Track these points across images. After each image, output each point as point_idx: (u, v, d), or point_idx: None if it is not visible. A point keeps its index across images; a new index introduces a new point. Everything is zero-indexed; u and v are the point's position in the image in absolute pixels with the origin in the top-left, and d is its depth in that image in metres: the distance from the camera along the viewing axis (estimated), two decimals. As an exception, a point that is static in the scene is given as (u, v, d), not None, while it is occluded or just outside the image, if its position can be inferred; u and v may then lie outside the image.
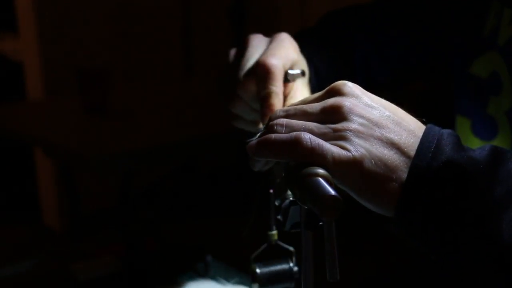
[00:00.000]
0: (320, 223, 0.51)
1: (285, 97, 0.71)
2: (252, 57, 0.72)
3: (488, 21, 0.81)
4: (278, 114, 0.58)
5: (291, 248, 0.71)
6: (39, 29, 2.81)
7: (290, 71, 0.71)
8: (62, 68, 2.75)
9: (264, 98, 0.67)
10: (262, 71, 0.68)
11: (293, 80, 0.71)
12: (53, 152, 2.02)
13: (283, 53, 0.71)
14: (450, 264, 0.55)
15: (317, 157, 0.52)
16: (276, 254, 0.72)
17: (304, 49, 0.83)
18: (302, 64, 0.75)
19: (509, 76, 0.77)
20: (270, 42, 0.74)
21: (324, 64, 0.86)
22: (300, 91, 0.72)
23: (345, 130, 0.53)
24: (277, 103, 0.66)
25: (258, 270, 0.71)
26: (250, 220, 0.70)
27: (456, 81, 0.87)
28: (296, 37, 0.83)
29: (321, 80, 0.84)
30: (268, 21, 3.36)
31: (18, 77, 3.04)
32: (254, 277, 0.71)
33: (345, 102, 0.55)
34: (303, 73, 0.71)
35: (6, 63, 3.25)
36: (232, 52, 0.77)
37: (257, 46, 0.74)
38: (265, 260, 0.72)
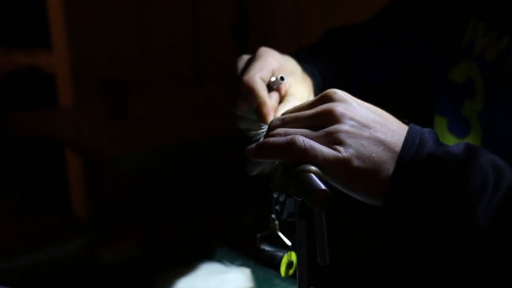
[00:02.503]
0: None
1: (282, 98, 0.69)
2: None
3: (466, 33, 0.80)
4: (274, 123, 0.57)
5: (289, 243, 0.67)
6: (69, 45, 2.83)
7: (271, 79, 0.68)
8: (88, 79, 2.76)
9: (256, 110, 0.66)
10: (244, 89, 0.67)
11: (277, 86, 0.68)
12: (81, 151, 2.01)
13: (259, 67, 0.69)
14: (434, 249, 0.54)
15: (309, 157, 0.51)
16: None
17: (308, 58, 0.82)
18: (287, 68, 0.73)
19: (482, 82, 0.76)
20: (250, 60, 0.72)
21: (325, 70, 0.85)
22: (294, 87, 0.70)
23: (336, 132, 0.53)
24: (268, 111, 0.65)
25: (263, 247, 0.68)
26: (251, 212, 0.69)
27: (436, 85, 0.87)
28: (301, 51, 0.83)
29: (325, 82, 0.83)
30: (267, 37, 3.36)
31: (51, 87, 3.04)
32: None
33: (337, 107, 0.54)
34: (282, 78, 0.68)
35: (40, 75, 3.25)
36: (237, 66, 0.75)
37: (242, 67, 0.72)
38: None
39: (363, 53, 0.92)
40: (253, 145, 0.55)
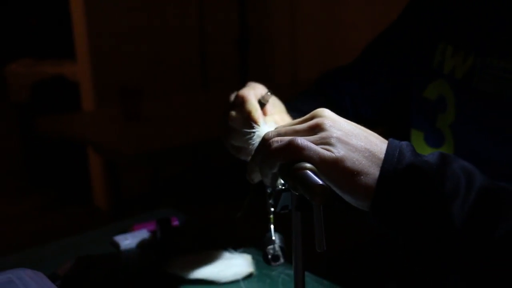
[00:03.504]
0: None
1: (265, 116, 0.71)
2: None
3: (436, 56, 0.81)
4: (270, 135, 0.56)
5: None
6: (91, 56, 2.84)
7: (261, 97, 0.70)
8: (107, 86, 2.76)
9: (248, 115, 0.67)
10: (239, 100, 0.69)
11: (267, 101, 0.70)
12: (101, 150, 2.00)
13: (251, 87, 0.72)
14: (416, 246, 0.53)
15: (307, 156, 0.51)
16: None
17: (297, 102, 0.86)
18: (274, 100, 0.75)
19: (453, 97, 0.77)
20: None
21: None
22: (278, 114, 0.72)
23: (329, 137, 0.52)
24: (258, 115, 0.66)
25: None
26: (244, 206, 0.68)
27: (412, 102, 0.87)
28: (293, 98, 0.86)
29: None
30: (266, 48, 3.37)
31: (75, 94, 3.04)
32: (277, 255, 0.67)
33: (326, 120, 0.54)
34: (271, 93, 0.71)
35: (66, 83, 3.26)
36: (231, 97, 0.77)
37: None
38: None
39: (355, 88, 0.94)
40: (261, 155, 0.55)
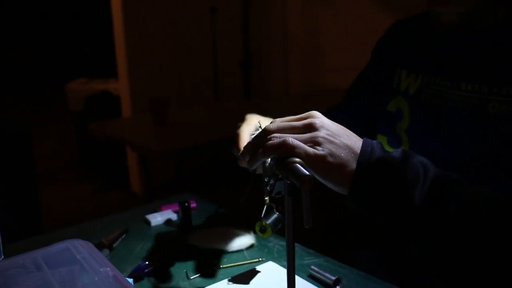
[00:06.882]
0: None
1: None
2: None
3: (395, 79, 0.82)
4: (272, 127, 0.54)
5: (273, 204, 0.69)
6: (129, 76, 2.84)
7: (254, 129, 0.68)
8: (141, 98, 2.77)
9: (235, 145, 0.66)
10: (236, 138, 0.67)
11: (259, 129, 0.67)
12: (136, 148, 1.99)
13: (246, 126, 0.68)
14: (386, 222, 0.53)
15: (297, 153, 0.50)
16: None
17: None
18: (265, 121, 0.72)
19: (408, 109, 0.77)
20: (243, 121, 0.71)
21: None
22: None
23: (317, 137, 0.52)
24: (240, 147, 0.65)
25: (268, 222, 0.67)
26: (246, 192, 0.68)
27: (377, 114, 0.87)
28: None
29: None
30: (263, 69, 3.36)
31: (117, 104, 3.04)
32: (264, 227, 0.67)
33: (317, 121, 0.53)
34: (260, 127, 0.68)
35: (110, 96, 3.26)
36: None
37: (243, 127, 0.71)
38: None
39: (346, 119, 0.92)
40: (261, 150, 0.54)
